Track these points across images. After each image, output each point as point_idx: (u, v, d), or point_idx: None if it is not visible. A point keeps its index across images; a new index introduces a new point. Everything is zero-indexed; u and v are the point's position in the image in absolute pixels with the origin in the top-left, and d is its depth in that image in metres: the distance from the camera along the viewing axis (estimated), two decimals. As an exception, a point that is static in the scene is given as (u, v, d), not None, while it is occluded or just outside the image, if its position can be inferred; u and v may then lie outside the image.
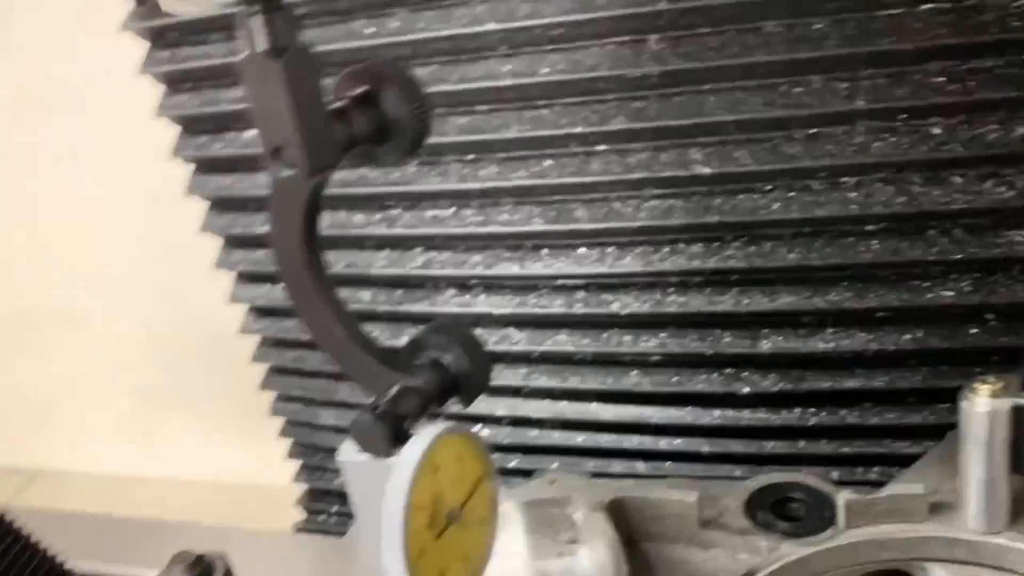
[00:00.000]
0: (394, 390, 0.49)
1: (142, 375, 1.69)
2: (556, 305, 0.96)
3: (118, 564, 1.03)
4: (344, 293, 0.92)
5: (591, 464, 1.00)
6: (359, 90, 0.48)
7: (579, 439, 1.03)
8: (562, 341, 0.98)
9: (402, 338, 0.61)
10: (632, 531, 0.65)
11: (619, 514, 0.64)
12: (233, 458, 1.65)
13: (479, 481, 0.51)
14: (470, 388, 0.53)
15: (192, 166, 1.07)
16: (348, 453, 0.48)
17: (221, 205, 1.08)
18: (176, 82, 1.03)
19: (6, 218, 1.62)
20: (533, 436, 1.06)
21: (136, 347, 1.67)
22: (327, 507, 1.25)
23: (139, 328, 1.65)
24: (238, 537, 1.07)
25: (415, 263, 0.98)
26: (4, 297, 1.72)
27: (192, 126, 1.05)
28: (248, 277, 1.11)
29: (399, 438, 0.47)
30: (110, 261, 1.59)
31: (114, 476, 1.79)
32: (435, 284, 0.99)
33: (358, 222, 0.99)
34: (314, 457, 1.22)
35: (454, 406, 0.53)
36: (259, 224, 1.05)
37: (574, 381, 0.99)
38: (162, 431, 1.75)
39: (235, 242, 1.10)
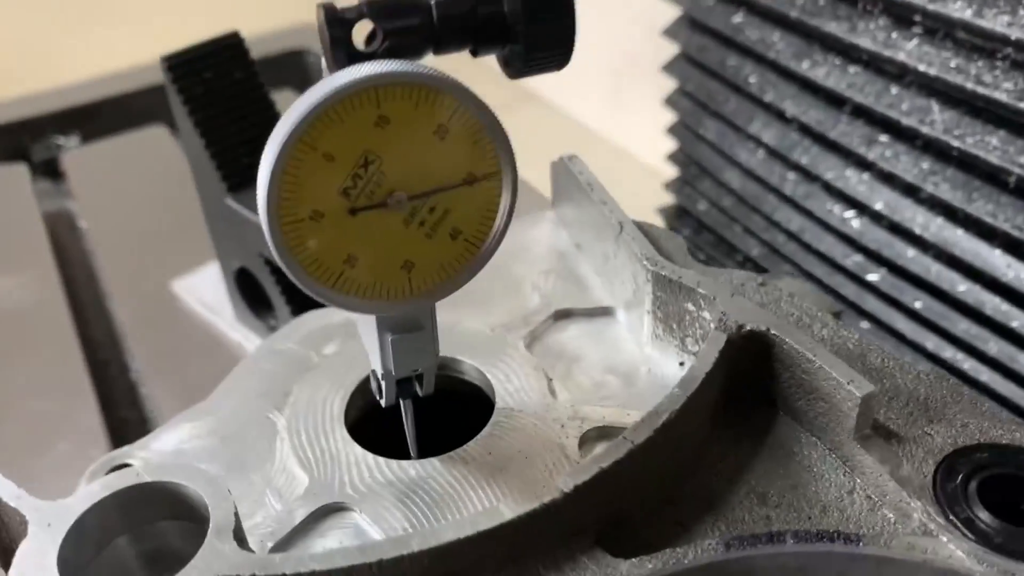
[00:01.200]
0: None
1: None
2: (1004, 88, 0.64)
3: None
4: None
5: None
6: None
7: (960, 287, 0.73)
8: (992, 146, 0.67)
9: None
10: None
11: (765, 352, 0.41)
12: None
13: (475, 181, 0.34)
14: (527, 34, 0.33)
15: None
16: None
17: None
18: None
19: None
20: (908, 257, 0.78)
21: None
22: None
23: None
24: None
25: None
26: None
27: None
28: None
29: (356, 54, 0.33)
30: None
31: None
32: None
33: None
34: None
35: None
36: None
37: (983, 209, 0.68)
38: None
39: None
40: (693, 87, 1.00)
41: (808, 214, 0.88)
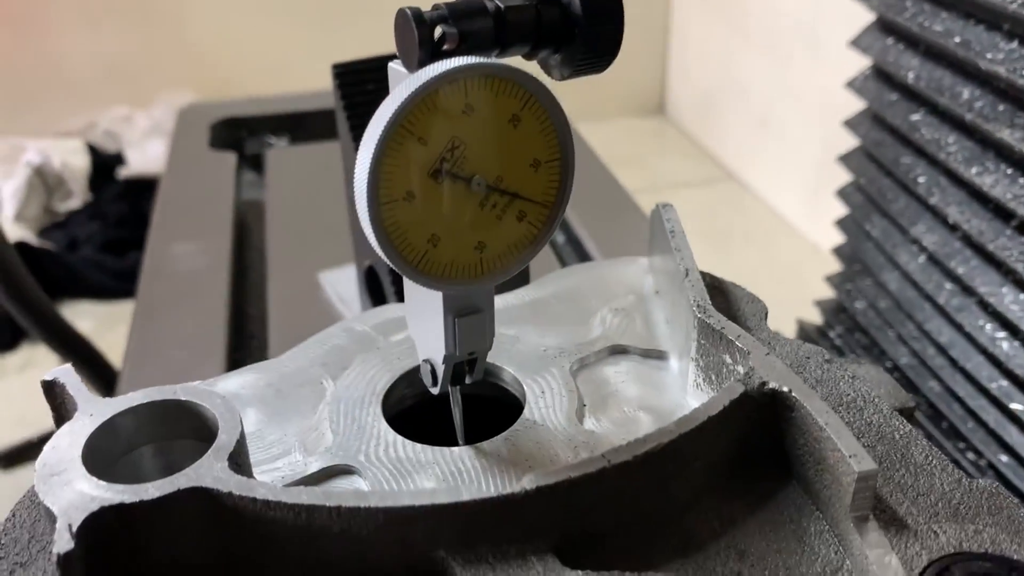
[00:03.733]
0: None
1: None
2: None
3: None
4: None
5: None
6: None
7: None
8: None
9: None
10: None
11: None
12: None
13: (539, 165, 0.37)
14: (585, 37, 0.37)
15: None
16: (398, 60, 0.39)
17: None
18: None
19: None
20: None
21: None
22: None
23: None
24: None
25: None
26: None
27: None
28: None
29: (436, 54, 0.36)
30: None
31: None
32: None
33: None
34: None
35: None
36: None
37: None
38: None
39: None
40: (866, 182, 0.97)
41: (959, 328, 0.83)
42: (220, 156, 1.15)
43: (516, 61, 0.39)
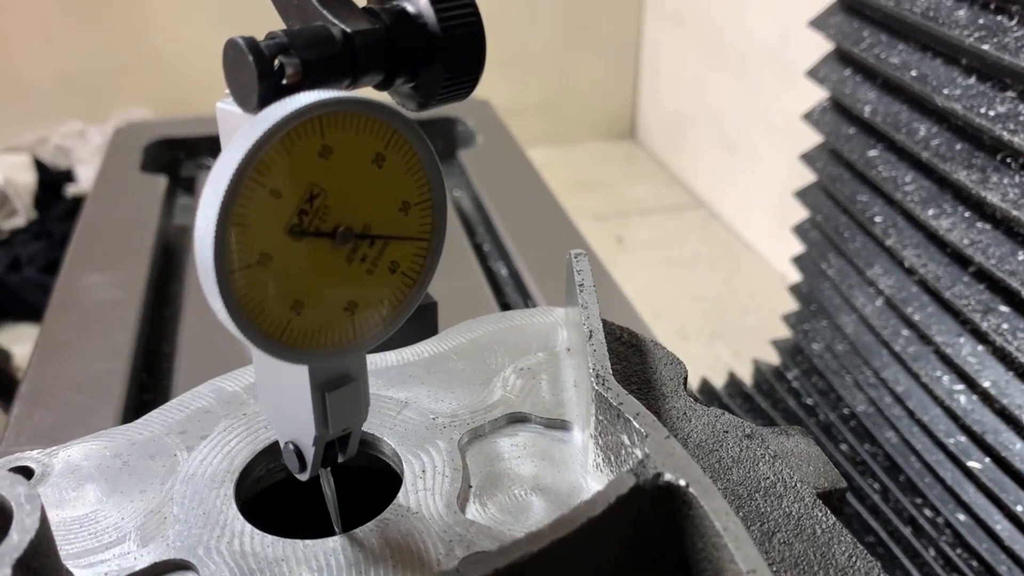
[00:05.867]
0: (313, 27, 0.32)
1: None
2: None
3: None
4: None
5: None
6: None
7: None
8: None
9: None
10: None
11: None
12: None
13: (408, 208, 0.32)
14: (448, 59, 0.31)
15: None
16: (229, 99, 0.33)
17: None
18: None
19: None
20: (1014, 450, 0.67)
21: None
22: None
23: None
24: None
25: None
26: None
27: None
28: None
29: (279, 90, 0.31)
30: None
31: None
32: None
33: None
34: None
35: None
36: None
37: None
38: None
39: None
40: (823, 218, 0.93)
41: (916, 378, 0.78)
42: (150, 179, 1.09)
43: (369, 93, 0.33)
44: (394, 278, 0.33)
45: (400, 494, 0.39)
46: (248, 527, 0.38)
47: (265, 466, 0.42)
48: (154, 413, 0.45)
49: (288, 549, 0.37)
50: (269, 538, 0.37)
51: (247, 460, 0.41)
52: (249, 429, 0.43)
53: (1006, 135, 0.63)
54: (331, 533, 0.38)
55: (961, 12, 0.68)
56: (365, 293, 0.33)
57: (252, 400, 0.46)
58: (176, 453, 0.42)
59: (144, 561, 0.36)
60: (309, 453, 0.36)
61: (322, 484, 0.38)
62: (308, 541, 0.37)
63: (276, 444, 0.42)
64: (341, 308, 0.32)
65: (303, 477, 0.37)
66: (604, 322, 0.47)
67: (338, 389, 0.35)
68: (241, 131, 0.30)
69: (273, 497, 0.42)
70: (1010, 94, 0.65)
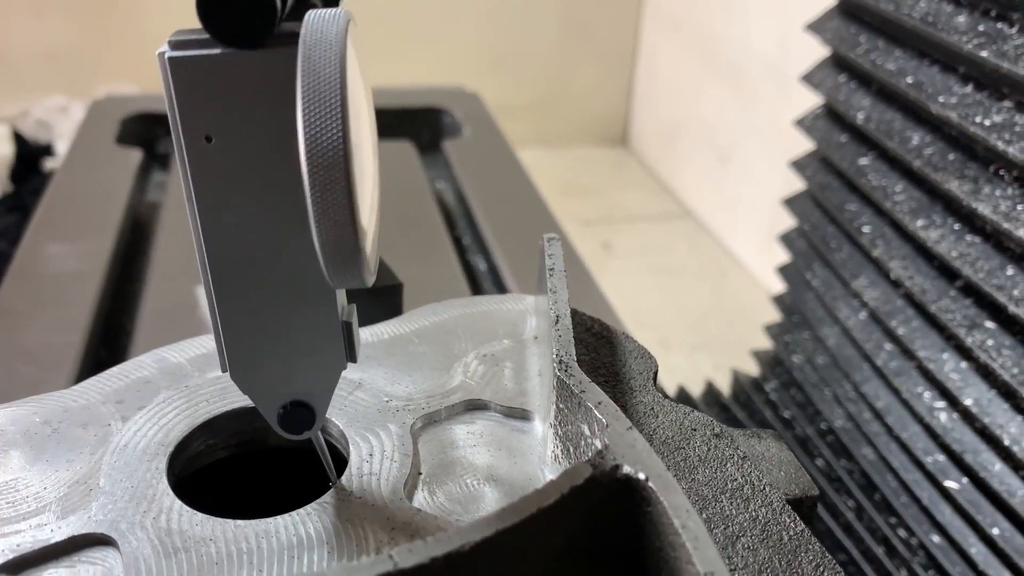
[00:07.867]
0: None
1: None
2: None
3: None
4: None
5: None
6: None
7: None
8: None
9: None
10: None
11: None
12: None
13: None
14: None
15: None
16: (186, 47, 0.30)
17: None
18: None
19: None
20: (992, 471, 0.65)
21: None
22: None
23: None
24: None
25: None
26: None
27: None
28: None
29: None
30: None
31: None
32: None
33: None
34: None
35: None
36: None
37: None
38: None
39: None
40: (810, 228, 0.91)
41: (896, 393, 0.76)
42: (124, 152, 1.06)
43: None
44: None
45: (344, 477, 0.37)
46: (177, 503, 0.35)
47: (204, 441, 0.39)
48: (91, 380, 0.43)
49: (218, 529, 0.34)
50: (198, 516, 0.35)
51: (184, 434, 0.39)
52: (190, 402, 0.40)
53: (1001, 145, 0.62)
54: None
55: (961, 18, 0.66)
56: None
57: (196, 372, 0.43)
58: (111, 423, 0.40)
59: (61, 534, 0.34)
60: (325, 399, 0.34)
61: (314, 440, 0.36)
62: (240, 521, 0.34)
63: (217, 419, 0.40)
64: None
65: (308, 434, 0.35)
66: (575, 312, 0.45)
67: (349, 306, 0.34)
68: (306, 58, 0.26)
69: (213, 477, 0.39)
70: (1007, 103, 0.63)
